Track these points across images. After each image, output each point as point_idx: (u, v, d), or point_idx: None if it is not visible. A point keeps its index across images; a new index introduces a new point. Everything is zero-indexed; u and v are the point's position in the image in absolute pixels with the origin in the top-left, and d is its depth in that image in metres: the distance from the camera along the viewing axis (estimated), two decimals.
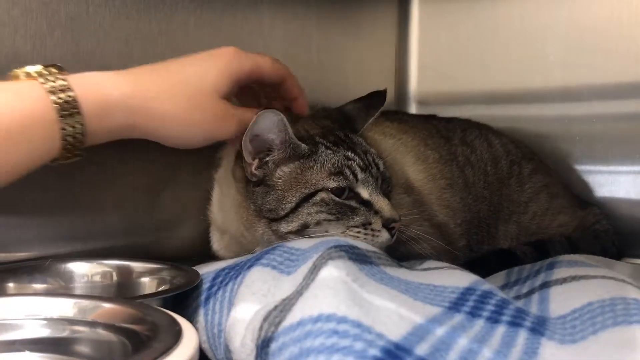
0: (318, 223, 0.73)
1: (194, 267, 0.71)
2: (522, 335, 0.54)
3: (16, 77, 0.60)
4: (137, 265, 0.73)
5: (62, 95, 0.57)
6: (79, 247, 0.79)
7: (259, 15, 1.02)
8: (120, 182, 0.85)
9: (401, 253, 0.83)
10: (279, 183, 0.74)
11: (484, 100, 1.26)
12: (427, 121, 1.07)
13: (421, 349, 0.46)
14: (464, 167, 1.00)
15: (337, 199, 0.73)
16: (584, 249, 0.95)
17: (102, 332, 0.51)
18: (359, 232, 0.74)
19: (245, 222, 0.77)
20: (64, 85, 0.58)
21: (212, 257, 0.85)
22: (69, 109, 0.58)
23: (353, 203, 0.74)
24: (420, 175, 0.93)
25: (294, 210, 0.73)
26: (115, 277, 0.73)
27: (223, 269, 0.67)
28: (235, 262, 0.68)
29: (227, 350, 0.57)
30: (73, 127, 0.58)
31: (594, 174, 1.13)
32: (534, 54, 1.19)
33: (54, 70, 0.60)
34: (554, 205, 1.05)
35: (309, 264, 0.60)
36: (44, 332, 0.52)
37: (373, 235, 0.74)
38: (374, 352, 0.43)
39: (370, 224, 0.74)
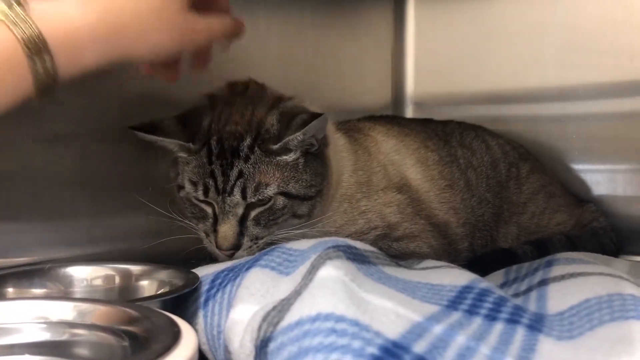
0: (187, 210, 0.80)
1: (193, 270, 0.71)
2: (520, 332, 0.54)
3: None
4: (136, 268, 0.74)
5: (28, 34, 0.56)
6: (78, 251, 0.80)
7: (255, 17, 1.02)
8: (118, 185, 0.85)
9: (395, 250, 0.83)
10: (178, 161, 0.79)
11: (481, 101, 1.26)
12: (425, 124, 1.08)
13: (419, 347, 0.46)
14: (467, 170, 1.00)
15: (193, 199, 0.77)
16: (583, 247, 0.96)
17: (101, 335, 0.51)
18: (205, 238, 0.78)
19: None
20: (29, 25, 0.56)
21: (211, 259, 0.85)
22: (36, 49, 0.56)
23: (210, 211, 0.77)
24: (418, 175, 0.94)
25: (177, 190, 0.80)
26: (114, 281, 0.73)
27: (222, 271, 0.68)
28: (233, 263, 0.69)
29: (227, 351, 0.57)
30: (43, 66, 0.57)
31: (591, 173, 1.14)
32: (530, 53, 1.19)
33: (19, 9, 0.57)
34: (552, 205, 1.06)
35: (307, 264, 0.60)
36: (44, 336, 0.52)
37: (210, 248, 0.78)
38: (372, 350, 0.43)
39: (209, 236, 0.78)
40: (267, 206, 0.75)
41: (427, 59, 1.35)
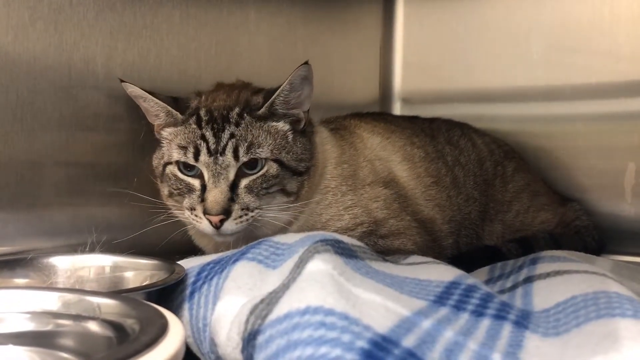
0: (173, 194, 0.79)
1: (179, 262, 0.70)
2: (507, 328, 0.54)
3: None
4: (121, 260, 0.73)
5: None
6: (61, 241, 0.78)
7: (245, 10, 1.01)
8: (103, 177, 0.84)
9: (381, 247, 0.83)
10: (163, 143, 0.80)
11: (468, 99, 1.27)
12: (412, 121, 1.08)
13: (408, 341, 0.46)
14: (454, 167, 1.01)
15: (179, 174, 0.77)
16: (566, 245, 0.97)
17: (86, 326, 0.51)
18: (189, 215, 0.77)
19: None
20: None
21: (196, 252, 0.84)
22: None
23: (197, 183, 0.77)
24: (405, 173, 0.94)
25: (162, 174, 0.80)
26: (99, 271, 0.72)
27: (208, 264, 0.67)
28: (220, 256, 0.68)
29: (213, 343, 0.57)
30: None
31: (575, 172, 1.14)
32: (518, 53, 1.20)
33: None
34: (536, 203, 1.06)
35: (295, 257, 0.60)
36: (28, 326, 0.51)
37: (197, 222, 0.76)
38: (361, 343, 0.43)
39: (194, 209, 0.76)
40: (260, 173, 0.76)
41: (415, 56, 1.35)
